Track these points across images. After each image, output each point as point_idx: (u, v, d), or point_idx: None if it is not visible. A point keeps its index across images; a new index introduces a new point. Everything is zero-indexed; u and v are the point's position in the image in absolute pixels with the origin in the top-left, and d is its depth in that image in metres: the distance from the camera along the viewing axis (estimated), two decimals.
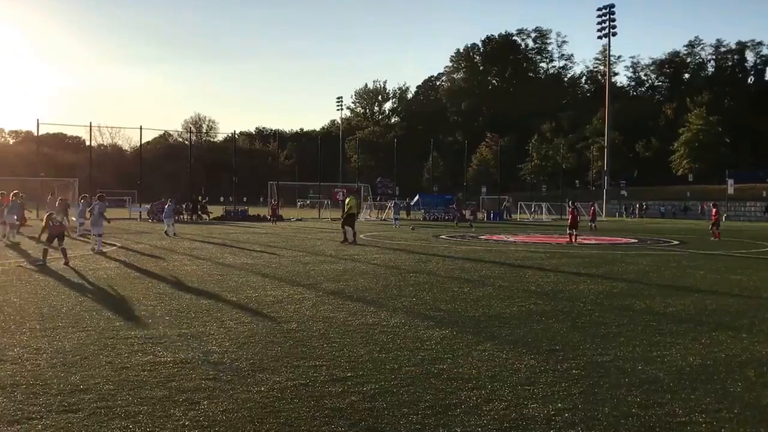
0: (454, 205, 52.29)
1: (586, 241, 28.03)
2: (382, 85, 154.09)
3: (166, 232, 28.49)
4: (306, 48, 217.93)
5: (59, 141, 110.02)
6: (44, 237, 16.73)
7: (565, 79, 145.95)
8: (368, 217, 54.28)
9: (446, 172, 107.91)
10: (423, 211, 55.24)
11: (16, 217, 23.16)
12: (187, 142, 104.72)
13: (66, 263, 15.75)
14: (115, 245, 22.34)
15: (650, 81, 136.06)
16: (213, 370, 6.64)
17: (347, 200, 25.93)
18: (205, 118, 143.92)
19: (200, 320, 9.26)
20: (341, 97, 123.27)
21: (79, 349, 7.38)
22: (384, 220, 50.21)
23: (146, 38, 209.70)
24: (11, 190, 24.78)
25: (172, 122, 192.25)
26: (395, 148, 68.42)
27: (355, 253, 20.55)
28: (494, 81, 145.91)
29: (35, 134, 59.96)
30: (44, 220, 16.85)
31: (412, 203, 60.83)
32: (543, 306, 10.98)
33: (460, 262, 18.23)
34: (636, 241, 29.60)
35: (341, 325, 9.02)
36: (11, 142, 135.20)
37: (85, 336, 8.10)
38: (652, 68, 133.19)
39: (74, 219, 29.49)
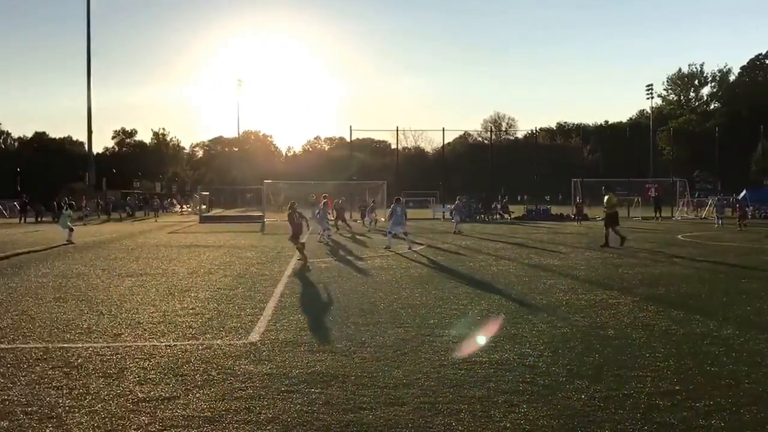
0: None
1: None
2: (699, 69, 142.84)
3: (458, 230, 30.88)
4: (609, 34, 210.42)
5: (367, 146, 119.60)
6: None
7: None
8: (685, 215, 50.72)
9: None
10: (751, 208, 50.13)
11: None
12: (486, 141, 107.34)
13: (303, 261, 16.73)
14: (422, 244, 23.63)
15: None
16: (529, 373, 6.71)
17: (606, 198, 24.03)
18: (504, 116, 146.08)
19: (512, 322, 9.41)
20: (651, 85, 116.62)
21: (399, 345, 7.93)
22: (704, 218, 46.53)
23: (447, 42, 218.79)
24: (325, 194, 27.85)
25: (472, 122, 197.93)
26: (716, 138, 63.07)
27: (673, 255, 19.34)
28: None
29: (348, 140, 65.82)
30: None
31: (738, 198, 55.51)
32: None
33: None
34: None
35: (663, 334, 8.54)
36: (327, 149, 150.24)
37: (403, 332, 8.68)
38: None
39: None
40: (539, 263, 17.37)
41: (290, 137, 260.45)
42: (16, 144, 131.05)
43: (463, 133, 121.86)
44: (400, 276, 14.74)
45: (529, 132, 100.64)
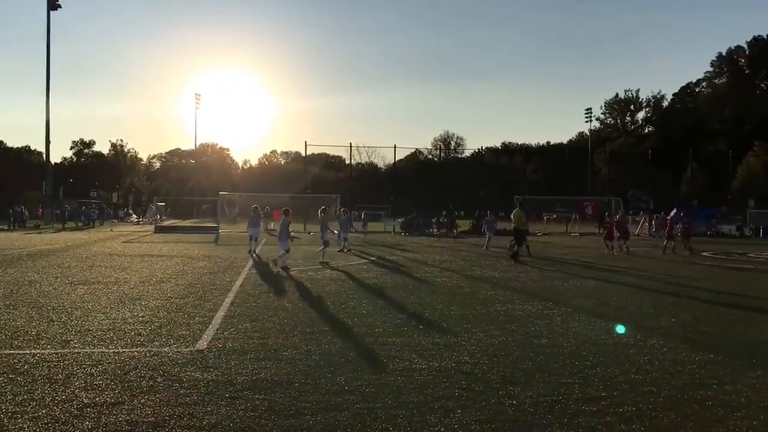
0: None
1: None
2: (635, 94, 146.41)
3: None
4: (553, 60, 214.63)
5: (322, 160, 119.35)
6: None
7: None
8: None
9: (707, 184, 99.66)
10: (679, 225, 51.41)
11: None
12: (436, 159, 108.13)
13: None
14: (372, 257, 23.67)
15: None
16: (466, 380, 6.77)
17: (515, 215, 23.75)
18: (453, 135, 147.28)
19: (452, 330, 9.49)
20: (590, 108, 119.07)
21: (344, 353, 7.92)
22: (637, 235, 47.56)
23: (398, 62, 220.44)
24: (280, 206, 27.66)
25: (423, 140, 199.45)
26: (649, 160, 64.69)
27: (605, 270, 19.76)
28: (762, 85, 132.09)
29: (303, 155, 65.66)
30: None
31: (668, 218, 56.83)
32: None
33: (727, 281, 16.71)
34: None
35: (593, 343, 8.71)
36: (283, 162, 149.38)
37: (348, 341, 8.68)
38: None
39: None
40: (481, 275, 17.55)
41: (247, 151, 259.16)
42: None
43: (414, 150, 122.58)
44: (348, 287, 14.73)
45: (476, 151, 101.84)
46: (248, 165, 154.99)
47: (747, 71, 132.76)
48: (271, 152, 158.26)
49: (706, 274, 18.91)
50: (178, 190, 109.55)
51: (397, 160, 69.93)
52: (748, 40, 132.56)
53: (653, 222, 41.28)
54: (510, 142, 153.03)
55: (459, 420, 5.51)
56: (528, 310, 11.48)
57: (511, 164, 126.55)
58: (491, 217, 32.65)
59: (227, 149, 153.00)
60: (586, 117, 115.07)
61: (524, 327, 9.87)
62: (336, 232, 26.10)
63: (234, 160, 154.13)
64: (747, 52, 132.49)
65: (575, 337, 9.14)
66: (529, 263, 21.50)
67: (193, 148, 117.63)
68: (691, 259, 24.44)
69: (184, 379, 6.64)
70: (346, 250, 26.03)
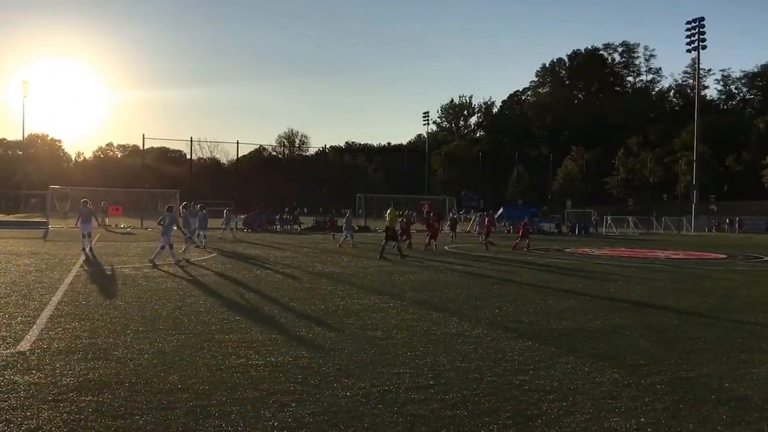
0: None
1: (674, 256, 27.02)
2: (468, 100, 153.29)
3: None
4: (393, 64, 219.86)
5: (162, 155, 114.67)
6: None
7: (653, 92, 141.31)
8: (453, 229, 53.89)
9: (531, 185, 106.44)
10: (504, 223, 54.52)
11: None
12: (280, 156, 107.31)
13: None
14: (212, 253, 23.09)
15: (741, 94, 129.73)
16: (301, 374, 6.77)
17: (388, 213, 24.69)
18: (297, 133, 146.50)
19: (290, 325, 9.45)
20: (428, 112, 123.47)
21: (178, 351, 7.66)
22: (468, 232, 49.82)
23: (242, 57, 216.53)
24: (117, 201, 26.15)
25: (267, 137, 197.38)
26: (480, 162, 67.94)
27: (439, 264, 20.51)
28: (580, 95, 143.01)
29: (141, 148, 62.82)
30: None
31: (496, 216, 60.11)
32: (627, 320, 10.63)
33: (544, 275, 17.90)
34: (725, 256, 28.30)
35: (424, 334, 9.01)
36: (119, 156, 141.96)
37: (184, 338, 8.40)
38: (743, 81, 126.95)
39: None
40: (321, 271, 17.63)
41: (81, 143, 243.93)
42: None
43: (258, 146, 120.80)
44: (186, 284, 14.27)
45: (320, 149, 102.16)
46: (82, 158, 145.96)
47: (567, 82, 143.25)
48: (107, 145, 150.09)
49: (527, 268, 20.14)
50: (3, 182, 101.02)
51: (240, 155, 68.39)
52: (569, 53, 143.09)
53: (476, 220, 43.44)
54: (353, 142, 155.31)
55: (293, 414, 5.50)
56: (365, 304, 11.68)
57: (353, 163, 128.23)
58: (350, 215, 32.61)
59: (59, 141, 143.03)
60: (424, 120, 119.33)
61: (361, 320, 10.02)
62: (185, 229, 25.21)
63: (67, 153, 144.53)
64: (567, 64, 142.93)
65: (408, 329, 9.41)
66: (369, 258, 21.87)
67: (21, 138, 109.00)
68: (514, 255, 25.94)
69: (2, 383, 6.14)
70: (203, 246, 25.72)
